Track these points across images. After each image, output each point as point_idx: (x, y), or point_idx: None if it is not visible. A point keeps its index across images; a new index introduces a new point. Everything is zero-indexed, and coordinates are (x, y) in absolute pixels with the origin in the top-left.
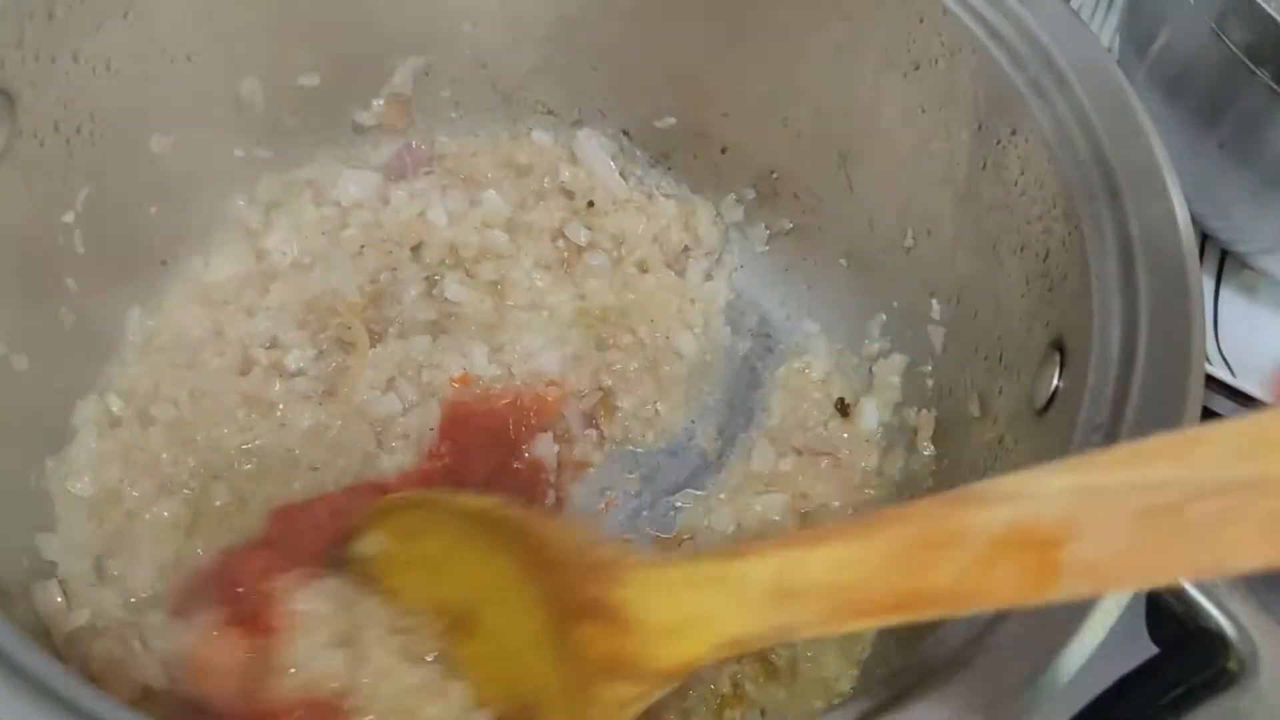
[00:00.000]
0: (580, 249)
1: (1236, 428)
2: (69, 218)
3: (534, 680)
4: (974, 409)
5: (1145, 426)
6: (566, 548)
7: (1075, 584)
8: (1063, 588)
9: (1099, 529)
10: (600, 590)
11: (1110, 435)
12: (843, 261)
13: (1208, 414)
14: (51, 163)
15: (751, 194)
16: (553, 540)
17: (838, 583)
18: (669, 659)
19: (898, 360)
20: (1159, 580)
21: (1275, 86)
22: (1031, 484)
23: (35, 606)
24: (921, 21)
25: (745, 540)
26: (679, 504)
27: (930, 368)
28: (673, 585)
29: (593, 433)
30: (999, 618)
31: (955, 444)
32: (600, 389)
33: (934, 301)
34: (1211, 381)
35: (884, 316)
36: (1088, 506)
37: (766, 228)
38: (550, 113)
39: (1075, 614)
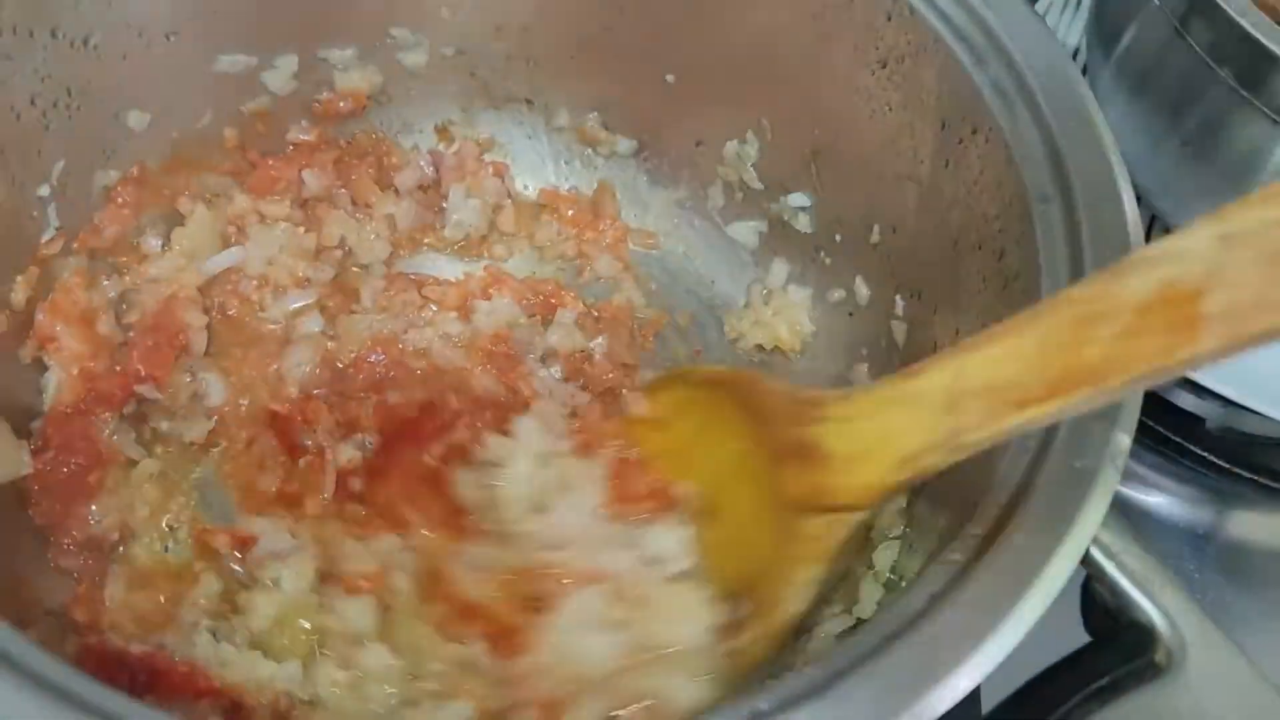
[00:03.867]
0: None
1: None
2: (44, 191)
3: (757, 552)
4: None
5: (1092, 424)
6: (777, 398)
7: (1213, 336)
8: (1201, 342)
9: (1236, 273)
10: (799, 430)
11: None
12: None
13: (1170, 409)
14: (27, 136)
15: (724, 187)
16: (766, 393)
17: (1000, 378)
18: (857, 484)
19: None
20: None
21: (1236, 86)
22: (1176, 244)
23: None
24: (889, 19)
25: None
26: None
27: (895, 362)
28: (858, 413)
29: None
30: (937, 600)
31: None
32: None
33: (897, 297)
34: None
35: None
36: (1225, 252)
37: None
38: (528, 101)
39: (1007, 602)
